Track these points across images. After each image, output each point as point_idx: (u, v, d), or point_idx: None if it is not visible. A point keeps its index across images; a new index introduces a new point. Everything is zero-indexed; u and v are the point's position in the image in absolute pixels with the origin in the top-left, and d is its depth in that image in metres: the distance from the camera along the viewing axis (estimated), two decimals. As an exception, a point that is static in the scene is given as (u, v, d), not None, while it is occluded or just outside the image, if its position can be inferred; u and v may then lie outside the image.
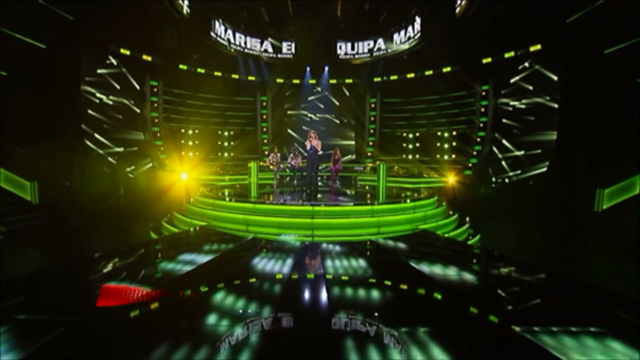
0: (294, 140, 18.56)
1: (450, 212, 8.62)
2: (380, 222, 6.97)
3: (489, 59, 14.59)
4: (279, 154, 12.11)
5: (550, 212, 9.87)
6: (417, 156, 17.96)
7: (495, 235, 7.96)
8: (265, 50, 17.69)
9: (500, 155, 14.81)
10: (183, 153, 17.05)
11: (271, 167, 11.94)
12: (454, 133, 16.90)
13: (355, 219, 6.92)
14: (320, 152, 8.76)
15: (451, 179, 14.64)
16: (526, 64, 14.12)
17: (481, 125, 15.81)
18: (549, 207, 10.10)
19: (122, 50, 13.81)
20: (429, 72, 16.49)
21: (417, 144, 18.28)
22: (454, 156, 16.78)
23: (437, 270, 4.40)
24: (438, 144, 17.42)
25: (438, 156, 17.31)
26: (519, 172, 13.97)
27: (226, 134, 18.74)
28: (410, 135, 18.47)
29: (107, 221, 8.89)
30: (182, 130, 17.28)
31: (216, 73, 17.18)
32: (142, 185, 13.78)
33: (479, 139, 15.80)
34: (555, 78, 13.09)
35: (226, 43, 16.44)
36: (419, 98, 17.41)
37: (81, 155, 12.48)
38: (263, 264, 4.69)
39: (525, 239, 8.04)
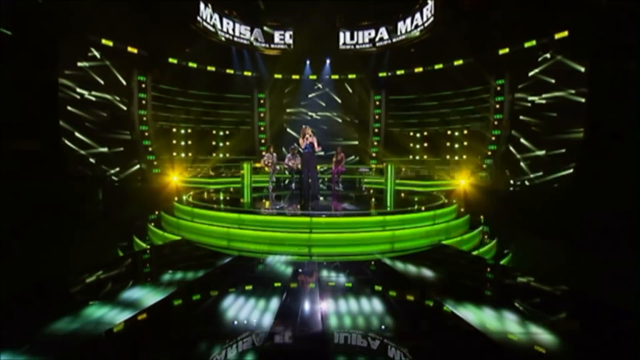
0: (294, 140, 17.01)
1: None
2: (395, 237, 5.51)
3: (507, 50, 13.12)
4: (275, 154, 10.75)
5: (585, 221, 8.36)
6: (425, 157, 16.52)
7: (530, 254, 6.47)
8: (256, 39, 16.22)
9: (518, 156, 13.32)
10: (174, 154, 15.69)
11: (266, 168, 10.58)
12: (465, 132, 15.47)
13: (364, 234, 5.46)
14: (319, 150, 7.29)
15: (463, 181, 13.18)
16: (547, 55, 12.65)
17: (496, 122, 14.37)
18: (580, 215, 8.60)
19: (103, 41, 12.45)
20: (438, 66, 15.11)
21: (426, 144, 16.89)
22: (465, 157, 15.32)
23: (492, 321, 2.93)
24: (448, 144, 16.04)
25: (448, 156, 15.87)
26: (540, 173, 12.49)
27: (221, 133, 17.46)
28: (418, 135, 17.13)
29: (71, 231, 7.47)
30: (174, 130, 15.94)
31: (209, 68, 15.91)
32: (127, 189, 12.44)
33: (493, 138, 14.36)
34: (582, 69, 11.60)
35: (213, 29, 14.91)
36: (428, 94, 16.04)
37: (58, 155, 11.10)
38: (235, 308, 3.24)
39: (562, 258, 6.55)
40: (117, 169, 13.41)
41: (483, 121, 14.42)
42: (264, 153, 10.82)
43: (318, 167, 7.89)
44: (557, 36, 11.36)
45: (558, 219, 8.52)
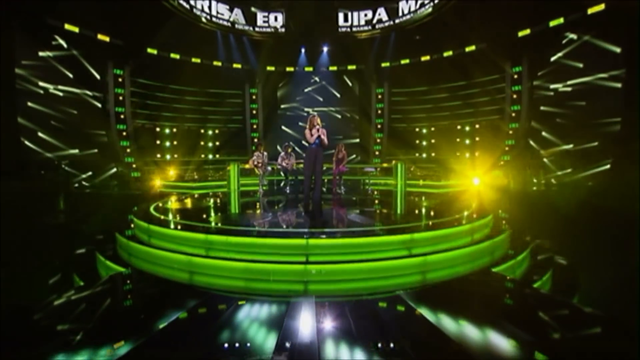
0: (289, 138, 15.53)
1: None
2: (426, 265, 3.79)
3: (527, 31, 11.43)
4: (265, 153, 9.14)
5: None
6: (433, 154, 15.04)
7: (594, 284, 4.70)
8: (237, 21, 14.47)
9: (542, 151, 11.64)
10: (158, 156, 14.11)
11: (256, 170, 8.98)
12: (477, 126, 13.84)
13: (382, 263, 3.74)
14: (327, 144, 5.69)
15: (476, 180, 11.50)
16: (573, 36, 10.98)
17: (513, 114, 12.76)
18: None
19: (67, 27, 10.68)
20: (448, 53, 13.45)
21: (433, 140, 15.30)
22: (477, 153, 13.69)
23: None
24: (458, 139, 14.37)
25: (458, 153, 14.24)
26: (569, 170, 10.80)
27: (210, 132, 15.95)
28: (425, 130, 15.54)
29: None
30: (157, 129, 14.28)
31: (194, 60, 14.28)
32: (98, 196, 10.71)
33: (511, 132, 12.74)
34: (618, 50, 9.92)
35: (188, 5, 13.19)
36: (437, 86, 14.47)
37: (15, 158, 9.35)
38: None
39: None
40: (90, 173, 11.68)
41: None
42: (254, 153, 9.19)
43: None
44: (590, 11, 9.66)
45: (610, 227, 6.78)
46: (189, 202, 7.80)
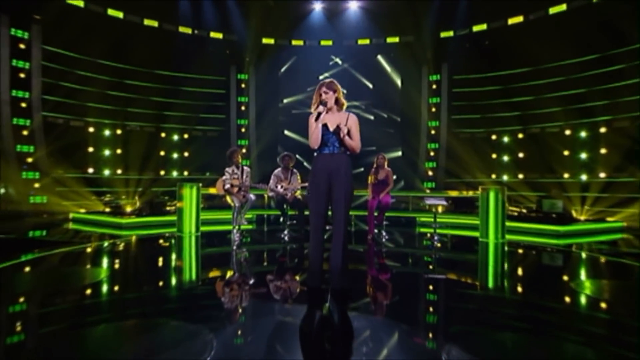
0: (295, 148, 13.66)
1: None
2: None
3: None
4: (247, 169, 7.32)
5: None
6: (521, 175, 12.91)
7: None
8: None
9: None
10: (90, 170, 12.33)
11: (228, 198, 7.12)
12: (603, 130, 11.42)
13: None
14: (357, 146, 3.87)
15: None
16: None
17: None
18: None
19: None
20: (558, 8, 11.21)
21: (521, 154, 13.10)
22: (602, 174, 11.18)
23: None
24: (566, 152, 11.98)
25: (566, 174, 11.91)
26: None
27: (175, 137, 14.29)
28: (507, 138, 13.40)
29: None
30: (90, 129, 12.47)
31: (148, 22, 12.56)
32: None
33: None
34: None
35: None
36: (533, 66, 12.24)
37: None
38: None
39: None
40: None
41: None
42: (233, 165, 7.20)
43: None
44: None
45: None
46: (85, 259, 5.25)
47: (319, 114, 3.55)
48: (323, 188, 3.64)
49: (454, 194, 10.34)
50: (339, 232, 3.57)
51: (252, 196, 7.11)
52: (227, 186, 6.83)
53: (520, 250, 6.74)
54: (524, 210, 9.58)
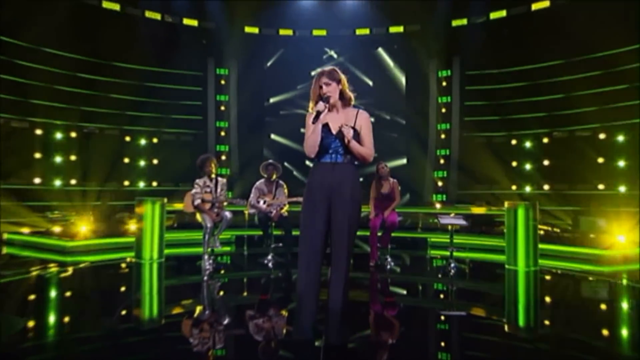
0: (283, 155, 13.82)
1: None
2: None
3: None
4: (222, 180, 6.93)
5: None
6: (546, 187, 12.89)
7: None
8: None
9: None
10: (38, 181, 12.01)
11: (198, 217, 6.85)
12: None
13: None
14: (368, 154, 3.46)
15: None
16: None
17: None
18: None
19: None
20: None
21: (547, 161, 13.12)
22: None
23: None
24: (601, 160, 11.91)
25: (601, 185, 11.81)
26: None
27: (142, 142, 14.23)
28: (529, 143, 13.44)
29: None
30: (38, 132, 12.28)
31: (107, 4, 12.53)
32: None
33: None
34: None
35: None
36: (564, 59, 12.22)
37: None
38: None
39: None
40: None
41: None
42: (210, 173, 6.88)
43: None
44: None
45: None
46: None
47: (319, 112, 3.12)
48: (321, 209, 3.20)
49: (477, 210, 10.03)
50: (339, 268, 3.14)
51: (227, 214, 6.60)
52: (197, 202, 6.34)
53: (559, 280, 6.39)
54: (556, 230, 9.27)
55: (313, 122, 3.13)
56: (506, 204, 6.98)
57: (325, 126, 3.24)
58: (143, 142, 13.91)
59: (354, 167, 3.32)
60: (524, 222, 6.54)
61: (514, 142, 13.47)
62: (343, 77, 3.38)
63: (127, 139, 13.61)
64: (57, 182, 12.09)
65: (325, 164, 3.29)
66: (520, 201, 7.22)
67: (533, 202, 6.94)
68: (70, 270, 6.53)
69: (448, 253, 6.93)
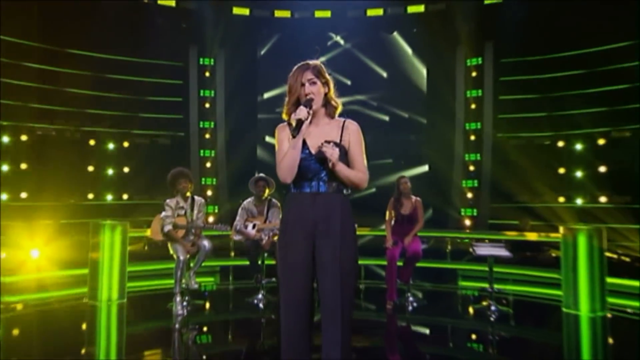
0: (269, 166, 13.58)
1: None
2: None
3: None
4: (200, 200, 6.90)
5: None
6: (603, 199, 12.48)
7: None
8: None
9: None
10: None
11: (169, 247, 6.56)
12: None
13: None
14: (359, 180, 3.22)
15: None
16: None
17: None
18: None
19: None
20: None
21: (603, 167, 12.64)
22: None
23: None
24: None
25: None
26: None
27: (111, 146, 14.01)
28: (580, 145, 13.02)
29: None
30: None
31: None
32: None
33: None
34: None
35: None
36: (604, 47, 11.98)
37: None
38: None
39: None
40: None
41: None
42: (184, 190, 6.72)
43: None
44: None
45: None
46: None
47: (300, 121, 2.78)
48: (302, 252, 2.86)
49: (532, 236, 9.61)
50: (334, 322, 2.73)
51: (206, 243, 6.25)
52: (168, 228, 5.90)
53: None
54: (626, 259, 8.78)
55: (293, 135, 2.80)
56: (561, 229, 6.51)
57: (305, 144, 2.94)
58: (111, 146, 13.61)
59: (342, 198, 3.01)
60: (586, 254, 6.13)
61: (560, 143, 13.09)
62: (328, 76, 3.09)
63: (92, 142, 13.28)
64: (3, 196, 11.59)
65: (305, 195, 3.02)
66: (579, 224, 6.79)
67: (598, 228, 6.40)
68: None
69: (488, 293, 6.55)
